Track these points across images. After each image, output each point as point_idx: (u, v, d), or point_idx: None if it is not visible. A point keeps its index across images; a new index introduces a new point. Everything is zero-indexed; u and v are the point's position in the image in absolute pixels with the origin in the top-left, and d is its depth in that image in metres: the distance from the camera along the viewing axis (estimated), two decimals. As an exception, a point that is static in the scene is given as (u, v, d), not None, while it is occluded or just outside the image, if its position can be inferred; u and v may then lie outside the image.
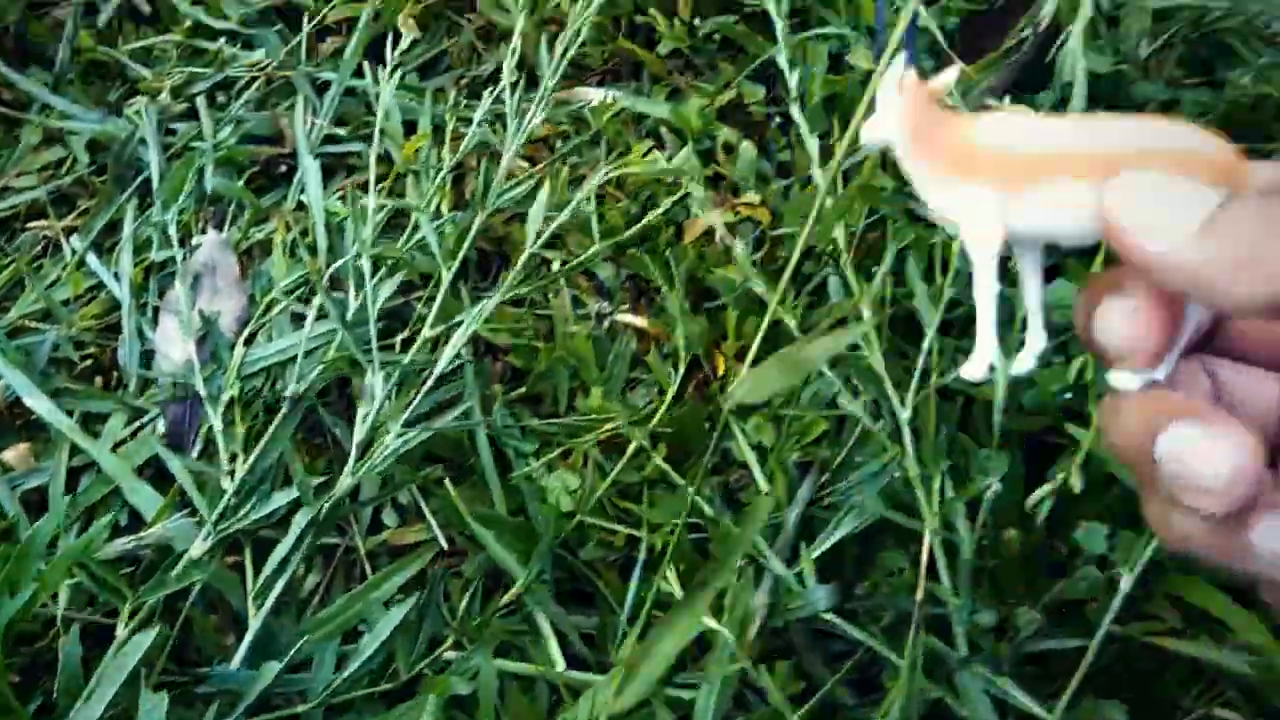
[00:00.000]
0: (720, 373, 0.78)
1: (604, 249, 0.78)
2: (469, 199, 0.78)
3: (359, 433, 0.67)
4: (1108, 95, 0.76)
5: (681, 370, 0.74)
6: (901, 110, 0.32)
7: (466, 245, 0.74)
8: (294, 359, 0.76)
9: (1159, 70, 0.76)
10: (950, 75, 0.33)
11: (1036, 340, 0.34)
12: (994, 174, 0.31)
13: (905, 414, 0.67)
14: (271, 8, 0.91)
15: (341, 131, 0.88)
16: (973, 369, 0.33)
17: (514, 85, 0.83)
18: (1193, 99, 0.73)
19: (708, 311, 0.80)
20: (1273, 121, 0.70)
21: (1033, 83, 0.79)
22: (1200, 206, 0.27)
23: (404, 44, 0.79)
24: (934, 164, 0.32)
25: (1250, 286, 0.25)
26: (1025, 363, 0.34)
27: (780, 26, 0.75)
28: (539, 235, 0.78)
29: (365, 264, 0.71)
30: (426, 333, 0.71)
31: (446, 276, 0.73)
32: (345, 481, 0.65)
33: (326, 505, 0.65)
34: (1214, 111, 0.72)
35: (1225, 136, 0.29)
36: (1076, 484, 0.63)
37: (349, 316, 0.73)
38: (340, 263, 0.74)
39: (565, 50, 0.79)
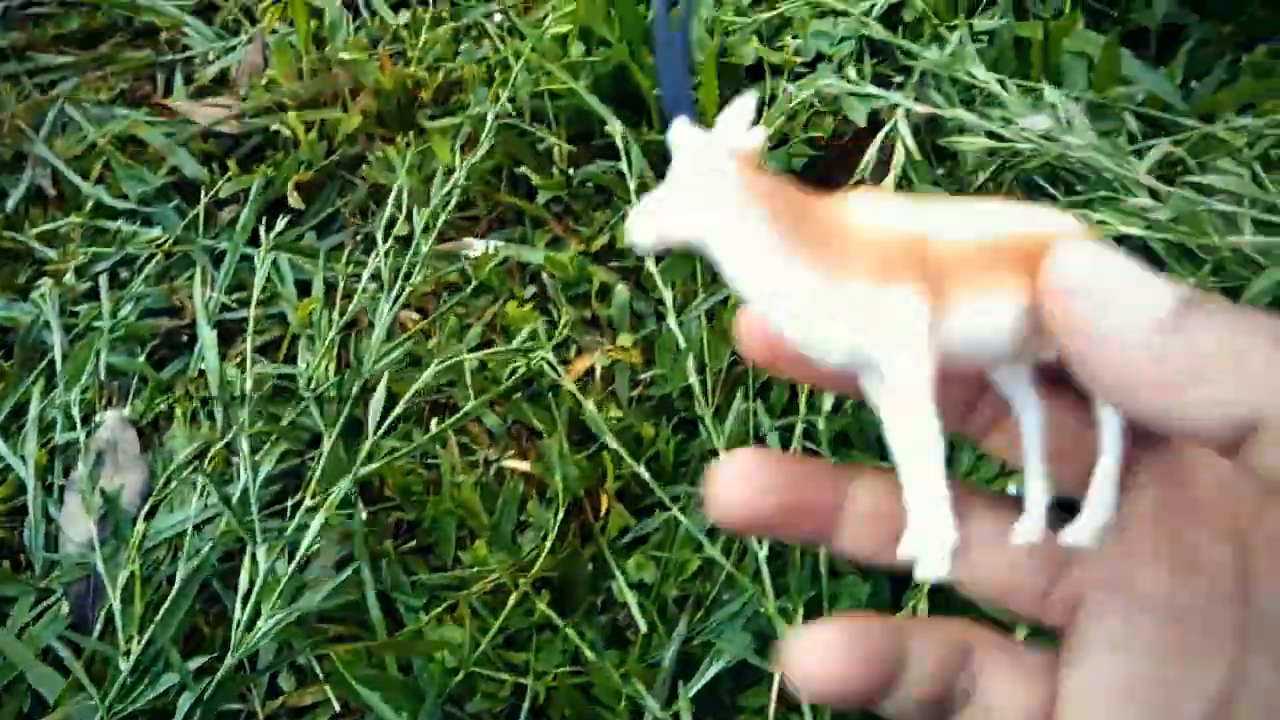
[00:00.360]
0: (603, 512, 0.81)
1: (486, 398, 0.81)
2: (352, 360, 0.82)
3: (239, 609, 0.69)
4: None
5: (561, 513, 0.77)
6: (739, 186, 0.23)
7: (345, 410, 0.77)
8: (193, 531, 0.79)
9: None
10: (759, 134, 0.25)
11: (1098, 510, 0.27)
12: (915, 274, 0.24)
13: (763, 552, 0.70)
14: (169, 184, 0.96)
15: (241, 296, 0.92)
16: (929, 566, 0.25)
17: (404, 240, 0.88)
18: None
19: (592, 452, 0.83)
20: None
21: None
22: (1166, 295, 0.23)
23: (282, 220, 0.83)
24: (816, 263, 0.23)
25: (1213, 399, 0.22)
26: (1082, 536, 0.27)
27: (633, 187, 0.79)
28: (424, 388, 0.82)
29: (242, 441, 0.74)
30: (308, 501, 0.74)
31: (328, 441, 0.77)
32: (228, 659, 0.67)
33: (212, 685, 0.68)
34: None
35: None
36: (923, 610, 0.66)
37: (243, 485, 0.76)
38: (233, 433, 0.77)
39: (435, 212, 0.83)
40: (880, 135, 0.72)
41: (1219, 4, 0.96)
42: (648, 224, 0.25)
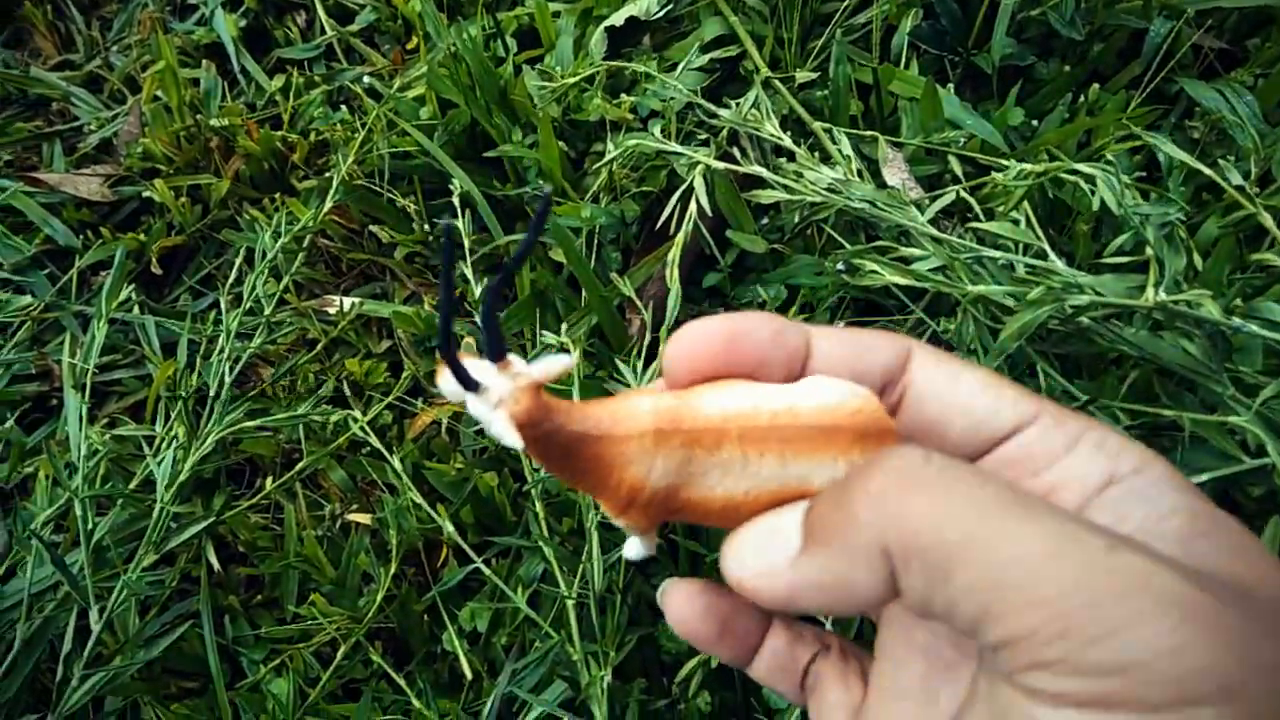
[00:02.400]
0: (441, 564, 0.83)
1: (320, 455, 0.84)
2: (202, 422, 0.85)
3: (61, 669, 0.72)
4: (761, 267, 0.83)
5: (395, 566, 0.80)
6: (515, 435, 0.29)
7: (184, 472, 0.79)
8: (53, 588, 0.81)
9: (815, 244, 0.83)
10: (566, 361, 0.30)
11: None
12: (647, 511, 0.32)
13: (571, 601, 0.72)
14: (43, 252, 0.99)
15: (112, 359, 0.95)
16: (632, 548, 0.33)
17: (270, 299, 0.91)
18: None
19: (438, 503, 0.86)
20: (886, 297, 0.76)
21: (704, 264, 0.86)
22: (792, 528, 0.29)
23: (143, 285, 0.86)
24: (579, 487, 0.31)
25: (865, 569, 0.27)
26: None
27: (468, 245, 0.82)
28: (276, 445, 0.85)
29: (77, 506, 0.77)
30: (146, 559, 0.77)
31: (165, 506, 0.79)
32: (48, 718, 0.70)
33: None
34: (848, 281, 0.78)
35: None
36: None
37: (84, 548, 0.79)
38: (65, 499, 0.80)
39: (282, 272, 0.86)
40: (679, 192, 0.75)
41: (1060, 44, 0.99)
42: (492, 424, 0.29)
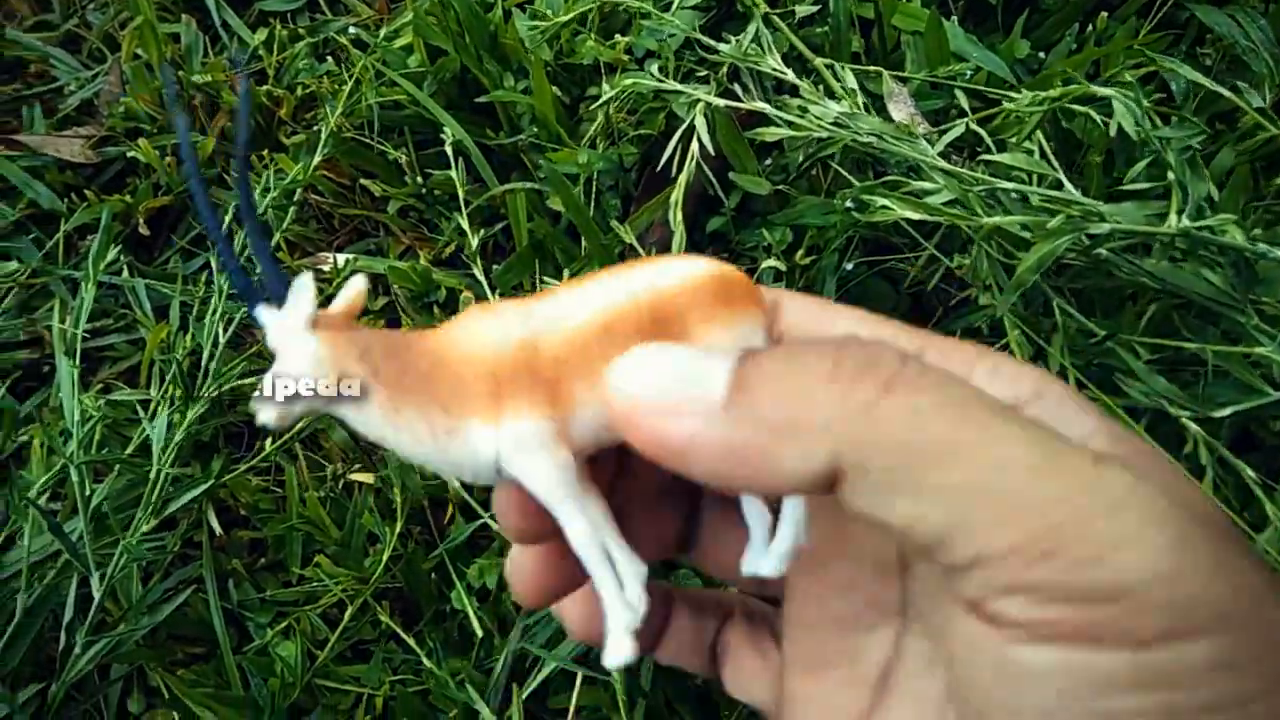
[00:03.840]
0: (448, 521, 0.82)
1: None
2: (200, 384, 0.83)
3: (64, 637, 0.70)
4: (766, 210, 0.81)
5: (400, 525, 0.78)
6: (329, 355, 0.25)
7: (180, 434, 0.78)
8: (53, 556, 0.80)
9: (821, 183, 0.81)
10: (359, 282, 0.27)
11: (785, 540, 0.28)
12: (527, 394, 0.25)
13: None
14: (26, 216, 0.97)
15: (104, 324, 0.92)
16: (613, 650, 0.26)
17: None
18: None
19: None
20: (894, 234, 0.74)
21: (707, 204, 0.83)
22: (718, 373, 0.24)
23: (98, 246, 0.83)
24: (429, 409, 0.25)
25: (800, 453, 0.23)
26: (770, 566, 0.29)
27: (462, 195, 0.80)
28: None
29: (73, 473, 0.75)
30: (144, 526, 0.75)
31: (163, 469, 0.78)
32: (52, 687, 0.69)
33: (45, 712, 0.69)
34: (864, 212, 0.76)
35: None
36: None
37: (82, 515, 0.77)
38: (60, 465, 0.78)
39: (274, 229, 0.84)
40: (679, 132, 0.72)
41: (1065, -27, 0.96)
42: (267, 406, 0.26)
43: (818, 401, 0.23)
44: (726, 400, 0.24)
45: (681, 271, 0.27)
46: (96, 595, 0.72)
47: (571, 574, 0.29)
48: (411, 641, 0.75)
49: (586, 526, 0.26)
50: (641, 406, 0.24)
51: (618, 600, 0.26)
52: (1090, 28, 0.91)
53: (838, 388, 0.23)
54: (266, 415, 0.25)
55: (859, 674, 0.30)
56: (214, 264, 0.86)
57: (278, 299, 0.26)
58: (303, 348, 0.25)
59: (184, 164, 0.27)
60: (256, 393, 0.26)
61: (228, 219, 0.88)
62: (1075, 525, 0.21)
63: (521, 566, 0.31)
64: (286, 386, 0.25)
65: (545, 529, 0.28)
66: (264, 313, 0.26)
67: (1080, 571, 0.21)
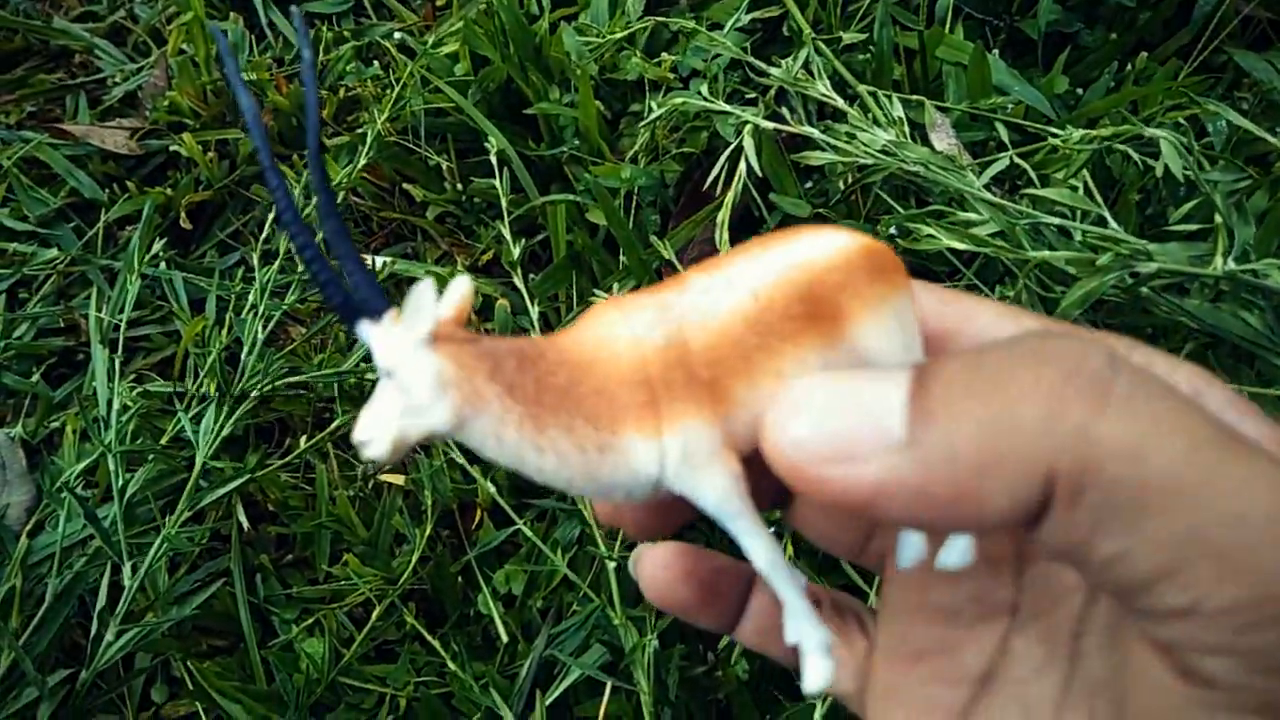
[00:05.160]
0: (476, 525, 0.82)
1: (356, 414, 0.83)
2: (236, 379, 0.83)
3: (95, 624, 0.71)
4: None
5: (429, 527, 0.79)
6: (455, 376, 0.22)
7: (227, 429, 0.78)
8: (74, 547, 0.81)
9: (860, 209, 0.82)
10: (465, 283, 0.23)
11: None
12: (686, 400, 0.22)
13: (612, 564, 0.71)
14: (69, 205, 0.98)
15: (140, 314, 0.93)
16: (814, 673, 0.24)
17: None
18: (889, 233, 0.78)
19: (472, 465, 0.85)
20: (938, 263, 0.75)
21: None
22: (893, 400, 0.21)
23: (170, 240, 0.84)
24: (575, 428, 0.22)
25: (1007, 489, 0.20)
26: (957, 556, 0.26)
27: (504, 204, 0.80)
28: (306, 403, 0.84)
29: (110, 461, 0.76)
30: (182, 517, 0.76)
31: (205, 462, 0.78)
32: (82, 674, 0.69)
33: (74, 697, 0.70)
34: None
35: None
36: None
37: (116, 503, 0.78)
38: (98, 452, 0.79)
39: (319, 232, 0.85)
40: (726, 153, 0.73)
41: (1106, 12, 0.97)
42: (380, 438, 0.22)
43: (1023, 425, 0.19)
44: (909, 435, 0.20)
45: (827, 246, 0.24)
46: (128, 584, 0.73)
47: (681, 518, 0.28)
48: (436, 644, 0.75)
49: (769, 543, 0.23)
50: (811, 457, 0.21)
51: (811, 621, 0.24)
52: (1129, 67, 0.92)
53: (1045, 406, 0.19)
54: (378, 449, 0.22)
55: (957, 668, 0.28)
56: (254, 261, 0.87)
57: (373, 310, 0.23)
58: (424, 367, 0.22)
59: (257, 150, 0.23)
60: (360, 426, 0.23)
61: (277, 217, 0.89)
62: None
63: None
64: (402, 415, 0.22)
65: (673, 526, 0.28)
66: (370, 329, 0.23)
67: None
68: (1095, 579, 0.21)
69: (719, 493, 0.22)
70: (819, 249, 0.24)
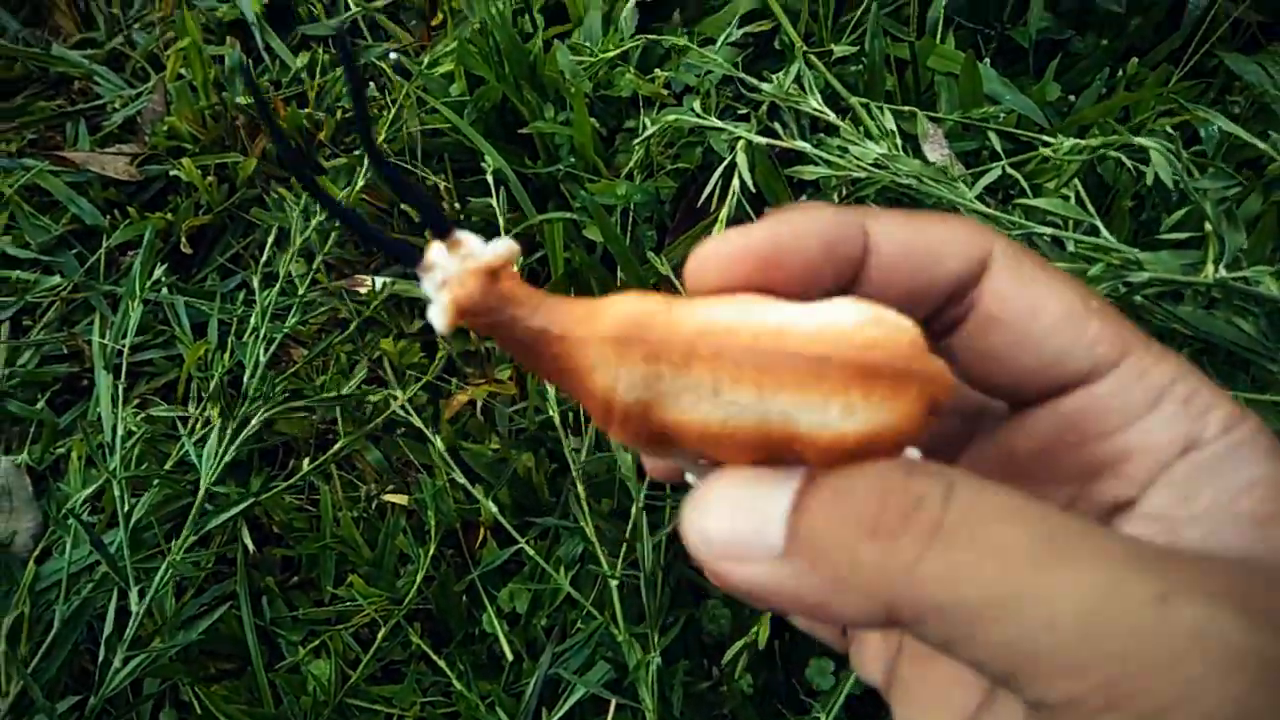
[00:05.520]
0: (479, 544, 0.83)
1: (355, 435, 0.83)
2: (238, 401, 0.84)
3: (103, 651, 0.71)
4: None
5: (433, 547, 0.79)
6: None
7: (230, 453, 0.79)
8: (82, 573, 0.81)
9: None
10: (507, 242, 0.25)
11: None
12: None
13: (614, 581, 0.71)
14: (71, 232, 0.98)
15: (143, 339, 0.94)
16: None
17: (301, 278, 0.90)
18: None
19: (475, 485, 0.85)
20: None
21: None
22: (776, 515, 0.23)
23: (168, 264, 0.85)
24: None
25: (856, 609, 0.23)
26: None
27: (502, 223, 0.81)
28: (309, 425, 0.84)
29: (114, 487, 0.76)
30: (187, 542, 0.76)
31: (212, 487, 0.79)
32: (91, 700, 0.70)
33: (92, 718, 0.70)
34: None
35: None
36: (763, 635, 0.67)
37: (122, 529, 0.78)
38: (102, 479, 0.79)
39: (313, 252, 0.85)
40: (720, 168, 0.74)
41: (1096, 18, 0.97)
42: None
43: (862, 561, 0.22)
44: (785, 547, 0.23)
45: (835, 323, 0.23)
46: (136, 609, 0.74)
47: None
48: (442, 663, 0.76)
49: None
50: (711, 552, 0.24)
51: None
52: (1120, 73, 0.93)
53: (879, 545, 0.22)
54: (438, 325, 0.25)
55: (970, 671, 0.28)
56: (254, 284, 0.88)
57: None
58: (436, 305, 0.25)
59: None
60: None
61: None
62: (1136, 678, 0.20)
63: None
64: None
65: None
66: (424, 280, 0.25)
67: None
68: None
69: None
70: (844, 323, 0.24)
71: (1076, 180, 0.68)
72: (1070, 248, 0.66)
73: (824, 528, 0.23)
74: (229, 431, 0.80)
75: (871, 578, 0.22)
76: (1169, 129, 0.66)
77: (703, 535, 0.24)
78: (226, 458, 0.80)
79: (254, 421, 0.79)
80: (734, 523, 0.24)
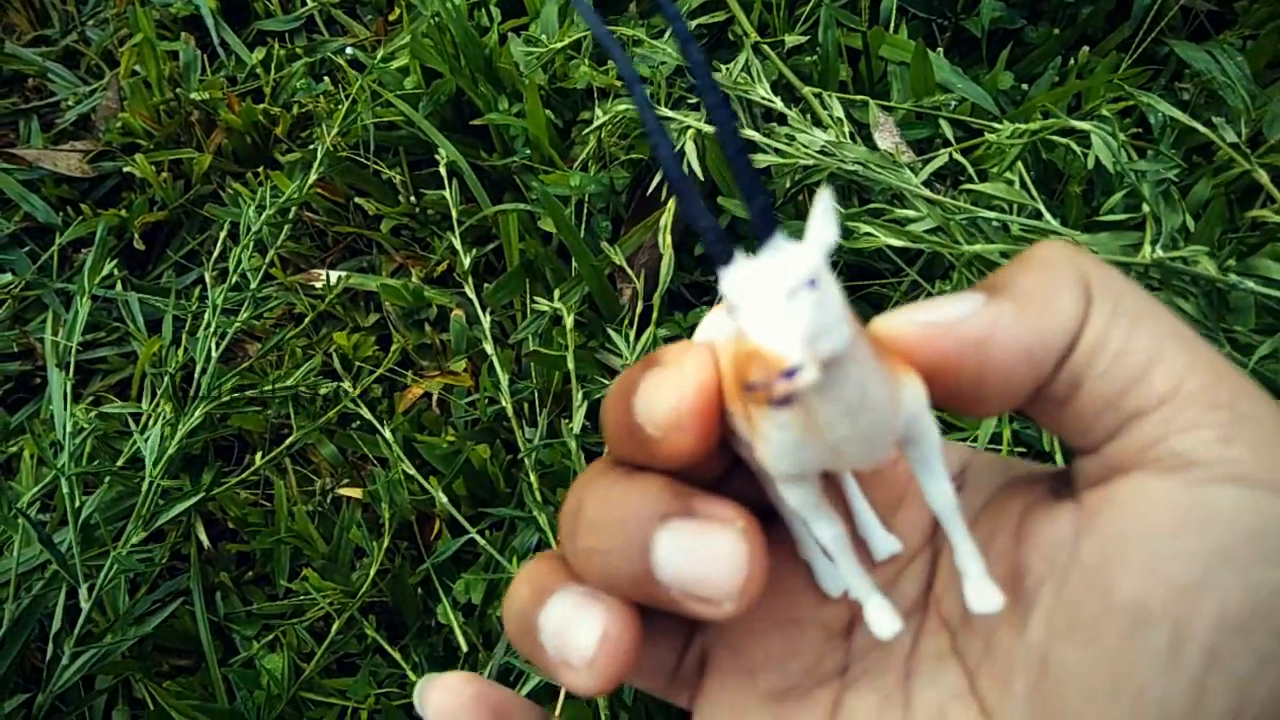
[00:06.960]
0: (435, 536, 0.82)
1: (310, 429, 0.83)
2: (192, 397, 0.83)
3: (50, 647, 0.71)
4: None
5: (387, 540, 0.79)
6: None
7: (173, 447, 0.78)
8: (30, 572, 0.80)
9: (805, 208, 0.83)
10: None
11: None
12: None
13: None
14: (22, 229, 0.98)
15: (96, 337, 0.93)
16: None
17: (254, 272, 0.90)
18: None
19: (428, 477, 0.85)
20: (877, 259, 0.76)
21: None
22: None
23: (121, 260, 0.84)
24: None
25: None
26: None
27: (454, 214, 0.81)
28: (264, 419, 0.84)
29: (63, 484, 0.75)
30: (134, 538, 0.76)
31: (154, 481, 0.78)
32: (38, 698, 0.69)
33: (40, 715, 0.69)
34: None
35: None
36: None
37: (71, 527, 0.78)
38: (51, 477, 0.79)
39: (267, 246, 0.85)
40: (669, 157, 0.74)
41: (1049, 8, 0.98)
42: (809, 362, 0.19)
43: (1057, 257, 0.24)
44: (985, 300, 0.23)
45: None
46: (85, 606, 0.73)
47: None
48: (397, 655, 0.75)
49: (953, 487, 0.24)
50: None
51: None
52: (1072, 61, 0.93)
53: (1060, 247, 0.24)
54: (810, 374, 0.18)
55: None
56: (208, 279, 0.87)
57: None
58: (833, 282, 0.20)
59: (623, 75, 0.20)
60: (784, 349, 0.19)
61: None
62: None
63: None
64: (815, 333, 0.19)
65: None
66: (781, 245, 0.21)
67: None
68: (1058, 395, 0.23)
69: (936, 429, 0.23)
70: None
71: (1021, 165, 0.68)
72: (1014, 230, 0.67)
73: (999, 275, 0.24)
74: (182, 424, 0.79)
75: (1069, 264, 0.23)
76: (1108, 114, 0.66)
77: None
78: (171, 450, 0.80)
79: (198, 413, 0.78)
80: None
